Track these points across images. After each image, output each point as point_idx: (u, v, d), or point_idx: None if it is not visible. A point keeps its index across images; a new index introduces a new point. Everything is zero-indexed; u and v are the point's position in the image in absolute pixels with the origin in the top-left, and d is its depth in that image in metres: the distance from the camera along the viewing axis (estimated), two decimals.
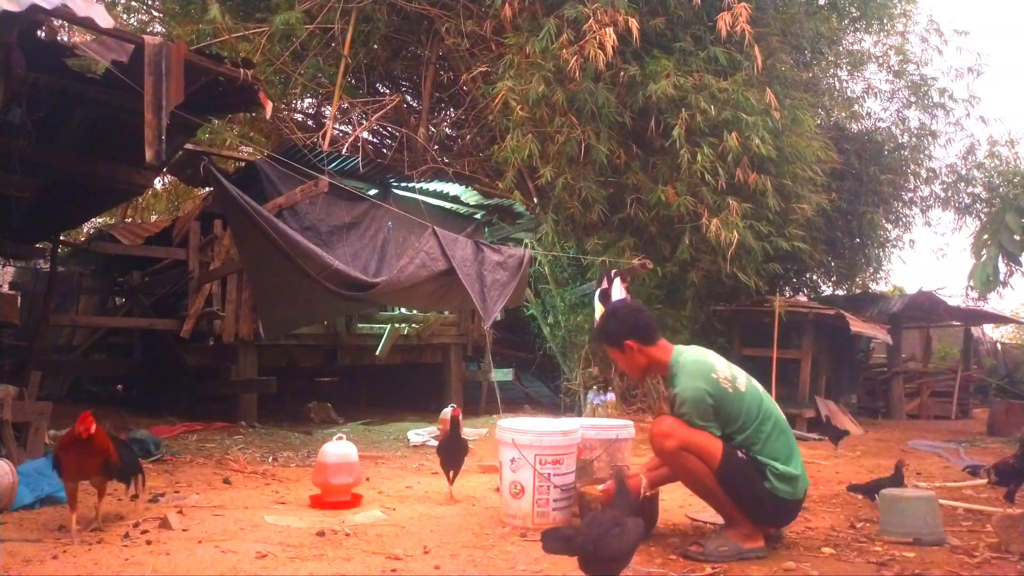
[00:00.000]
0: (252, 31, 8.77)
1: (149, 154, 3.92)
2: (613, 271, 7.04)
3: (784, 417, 3.15)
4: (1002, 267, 3.75)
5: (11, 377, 5.11)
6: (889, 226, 12.96)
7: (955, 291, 16.94)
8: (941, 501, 3.75)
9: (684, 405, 2.98)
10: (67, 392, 8.98)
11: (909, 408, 11.35)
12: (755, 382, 3.15)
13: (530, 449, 3.43)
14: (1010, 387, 13.56)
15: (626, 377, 8.76)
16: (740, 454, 2.96)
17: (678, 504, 3.87)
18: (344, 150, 8.10)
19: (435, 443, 6.40)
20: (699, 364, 3.05)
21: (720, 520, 3.23)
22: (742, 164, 7.84)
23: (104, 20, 3.87)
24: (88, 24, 3.83)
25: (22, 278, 10.36)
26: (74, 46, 4.36)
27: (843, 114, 12.22)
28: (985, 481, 4.63)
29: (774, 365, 8.26)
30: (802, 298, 10.71)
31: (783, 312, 8.61)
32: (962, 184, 13.71)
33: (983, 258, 3.67)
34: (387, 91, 11.26)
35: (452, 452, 4.11)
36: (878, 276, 14.46)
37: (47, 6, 3.59)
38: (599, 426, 4.03)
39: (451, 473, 4.11)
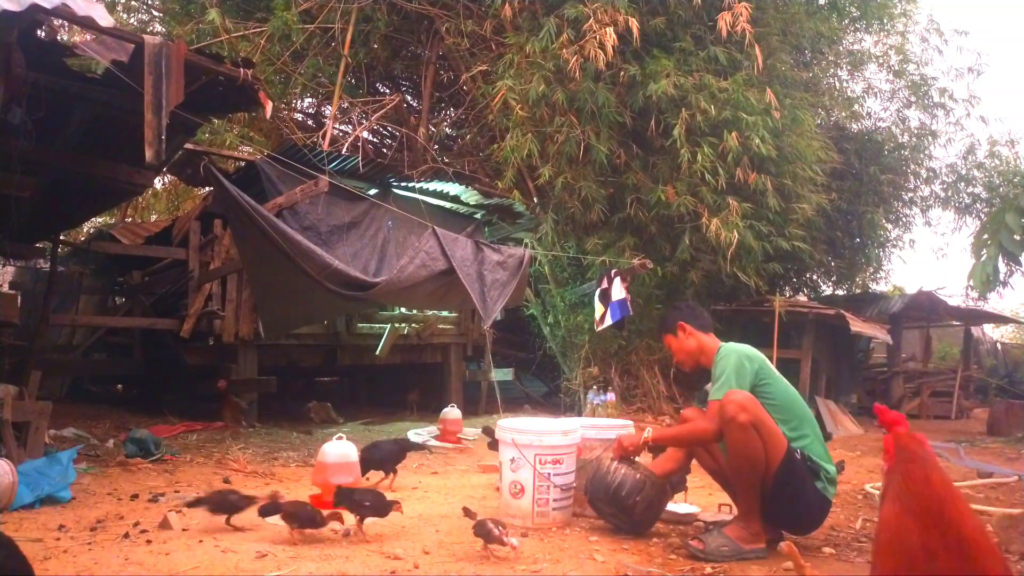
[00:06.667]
0: (252, 31, 8.76)
1: (149, 154, 3.92)
2: (613, 271, 7.03)
3: None
4: (1002, 267, 3.76)
5: (11, 377, 5.10)
6: (889, 226, 12.97)
7: (955, 291, 16.98)
8: None
9: (724, 364, 3.08)
10: (67, 392, 8.97)
11: (909, 408, 11.33)
12: None
13: (530, 449, 3.43)
14: (1010, 387, 13.55)
15: (626, 377, 8.77)
16: (797, 455, 3.00)
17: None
18: (344, 150, 8.09)
19: (436, 443, 6.40)
20: (747, 348, 3.23)
21: (718, 519, 3.23)
22: (742, 164, 7.84)
23: (104, 19, 3.87)
24: (88, 23, 3.82)
25: (22, 278, 10.34)
26: (74, 45, 4.35)
27: (843, 114, 12.22)
28: None
29: (774, 365, 8.24)
30: (802, 298, 10.71)
31: (783, 312, 8.60)
32: (962, 184, 13.74)
33: (983, 258, 3.68)
34: (387, 91, 11.25)
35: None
36: (878, 276, 14.51)
37: (47, 5, 3.58)
38: (599, 426, 4.04)
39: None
